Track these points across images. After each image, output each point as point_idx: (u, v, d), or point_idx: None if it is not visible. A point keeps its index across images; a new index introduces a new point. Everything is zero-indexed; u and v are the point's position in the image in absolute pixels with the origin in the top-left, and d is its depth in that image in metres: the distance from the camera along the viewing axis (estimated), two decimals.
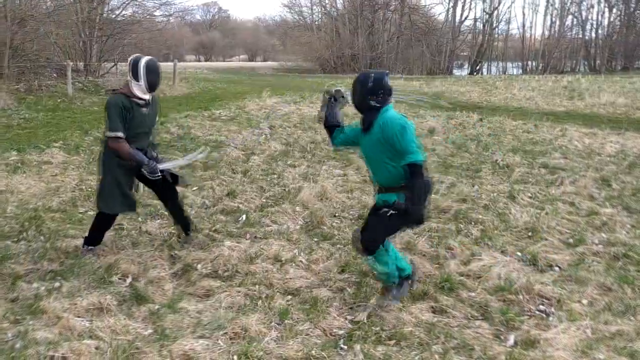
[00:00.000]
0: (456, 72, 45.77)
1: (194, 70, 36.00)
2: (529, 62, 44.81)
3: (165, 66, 29.59)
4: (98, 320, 3.41)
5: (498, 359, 3.07)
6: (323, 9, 47.10)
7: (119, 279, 4.04)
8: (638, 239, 4.98)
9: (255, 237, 5.00)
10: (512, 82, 23.93)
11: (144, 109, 4.28)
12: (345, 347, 3.23)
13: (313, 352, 3.13)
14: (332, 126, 3.82)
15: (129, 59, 4.24)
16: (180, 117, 12.91)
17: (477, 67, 44.74)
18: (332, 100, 3.82)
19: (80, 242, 4.70)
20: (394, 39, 42.47)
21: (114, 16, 24.05)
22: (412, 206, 3.29)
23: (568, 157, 8.60)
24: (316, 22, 48.38)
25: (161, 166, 4.36)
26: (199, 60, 72.77)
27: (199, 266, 4.28)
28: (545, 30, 45.32)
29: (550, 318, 3.56)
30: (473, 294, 3.93)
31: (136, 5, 25.02)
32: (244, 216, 5.52)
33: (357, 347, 3.20)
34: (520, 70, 45.06)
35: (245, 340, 3.26)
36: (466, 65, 47.50)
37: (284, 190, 6.57)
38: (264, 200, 6.17)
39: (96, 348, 3.08)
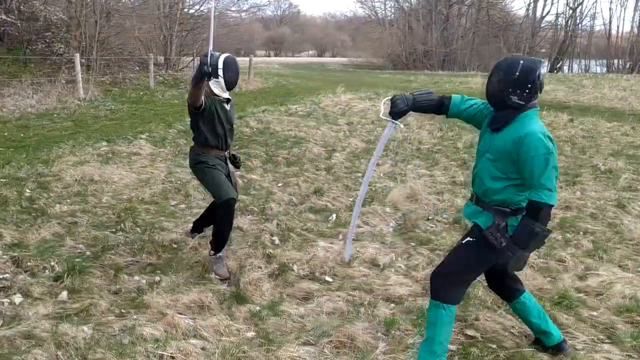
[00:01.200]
0: None
1: (265, 65, 36.40)
2: (615, 61, 42.20)
3: (239, 61, 30.25)
4: (201, 319, 3.34)
5: None
6: (396, 3, 46.35)
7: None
8: None
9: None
10: (601, 81, 22.55)
11: (227, 105, 4.15)
12: None
13: None
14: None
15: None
16: (257, 111, 12.96)
17: (558, 65, 42.68)
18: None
19: (174, 236, 4.70)
20: (469, 34, 41.20)
21: (192, 11, 24.69)
22: (516, 249, 2.59)
23: None
24: (388, 18, 47.71)
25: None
26: (269, 56, 73.73)
27: (295, 267, 4.15)
28: (634, 27, 42.46)
29: None
30: (595, 313, 3.57)
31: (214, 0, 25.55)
32: (334, 216, 5.36)
33: None
34: (605, 69, 42.55)
35: (351, 350, 3.08)
36: (545, 63, 45.42)
37: (371, 189, 6.36)
38: (352, 200, 5.98)
39: (202, 349, 3.00)
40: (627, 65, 39.59)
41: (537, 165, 2.52)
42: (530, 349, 3.09)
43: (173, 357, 2.88)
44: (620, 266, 4.30)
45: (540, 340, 3.09)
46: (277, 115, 12.54)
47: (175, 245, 4.52)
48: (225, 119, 4.07)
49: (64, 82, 14.87)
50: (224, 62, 3.90)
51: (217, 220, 4.05)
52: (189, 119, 4.14)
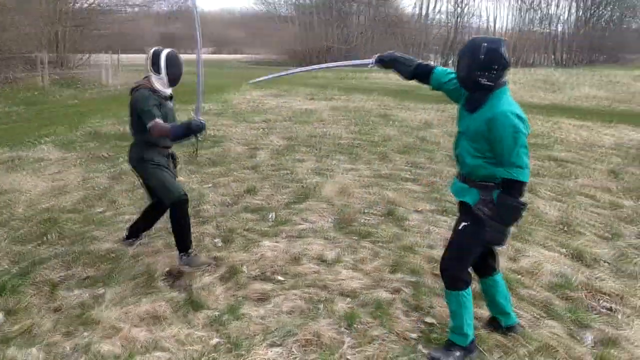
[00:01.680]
0: None
1: None
2: None
3: (137, 58, 28.72)
4: (159, 330, 3.21)
5: None
6: (295, 0, 46.64)
7: (165, 284, 3.82)
8: None
9: (291, 236, 4.82)
10: None
11: (169, 103, 4.06)
12: (426, 351, 3.10)
13: (396, 357, 3.00)
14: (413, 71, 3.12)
15: (150, 51, 3.95)
16: None
17: (450, 61, 45.22)
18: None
19: (109, 245, 4.45)
20: (367, 31, 42.45)
21: (78, 6, 23.14)
22: (495, 222, 2.79)
23: (572, 150, 8.69)
24: (289, 14, 47.90)
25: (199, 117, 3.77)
26: None
27: (245, 268, 4.09)
28: (515, 25, 46.09)
29: (619, 316, 3.52)
30: (532, 292, 3.85)
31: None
32: (272, 214, 5.33)
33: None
34: None
35: (319, 347, 3.11)
36: (436, 58, 47.96)
37: (302, 186, 6.39)
38: (286, 197, 5.98)
39: None
40: (511, 60, 42.87)
41: (506, 145, 2.68)
42: (486, 331, 3.28)
43: None
44: (544, 246, 4.67)
45: (496, 320, 3.28)
46: (188, 114, 12.18)
47: (112, 255, 4.27)
48: (171, 117, 3.95)
49: None
50: (167, 58, 3.83)
51: (174, 221, 4.00)
52: (130, 118, 3.96)
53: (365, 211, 5.56)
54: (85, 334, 3.14)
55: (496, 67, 2.68)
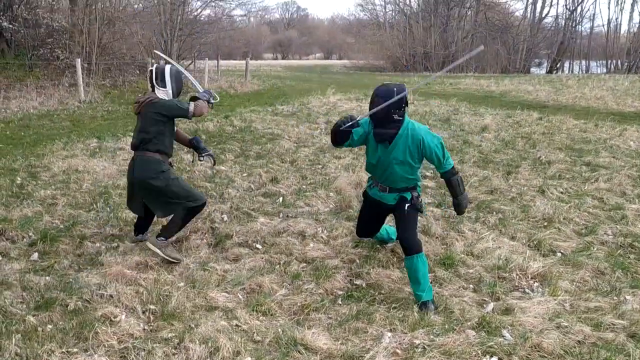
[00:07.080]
0: (534, 70, 44.37)
1: (268, 67, 37.36)
2: (614, 61, 42.57)
3: (239, 64, 30.63)
4: (142, 273, 4.13)
5: (472, 321, 3.46)
6: (397, 7, 47.10)
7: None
8: None
9: (287, 216, 5.58)
10: (586, 81, 23.13)
11: None
12: (341, 303, 3.74)
13: (313, 304, 3.67)
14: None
15: (153, 68, 4.38)
16: (245, 111, 13.78)
17: (557, 66, 43.15)
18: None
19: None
20: (468, 36, 41.82)
21: (192, 17, 25.56)
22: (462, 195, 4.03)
23: (616, 157, 8.55)
24: (389, 21, 48.45)
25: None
26: (276, 59, 74.88)
27: (235, 237, 4.92)
28: (632, 28, 42.89)
29: (535, 293, 3.88)
30: (470, 270, 4.30)
31: (213, 6, 26.42)
32: (280, 198, 6.12)
33: (353, 305, 3.69)
34: (605, 69, 42.96)
35: (258, 294, 3.85)
36: (545, 64, 45.89)
37: (324, 178, 7.11)
38: (304, 186, 6.74)
39: (136, 292, 3.78)
40: (625, 65, 39.96)
41: (440, 153, 3.86)
42: (403, 294, 3.84)
43: (111, 296, 3.68)
44: (510, 236, 5.02)
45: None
46: (262, 115, 13.32)
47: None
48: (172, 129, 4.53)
49: (66, 85, 15.81)
50: (171, 72, 4.37)
51: (184, 217, 4.49)
52: (144, 130, 4.37)
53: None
54: (91, 271, 4.15)
55: (404, 105, 3.66)
